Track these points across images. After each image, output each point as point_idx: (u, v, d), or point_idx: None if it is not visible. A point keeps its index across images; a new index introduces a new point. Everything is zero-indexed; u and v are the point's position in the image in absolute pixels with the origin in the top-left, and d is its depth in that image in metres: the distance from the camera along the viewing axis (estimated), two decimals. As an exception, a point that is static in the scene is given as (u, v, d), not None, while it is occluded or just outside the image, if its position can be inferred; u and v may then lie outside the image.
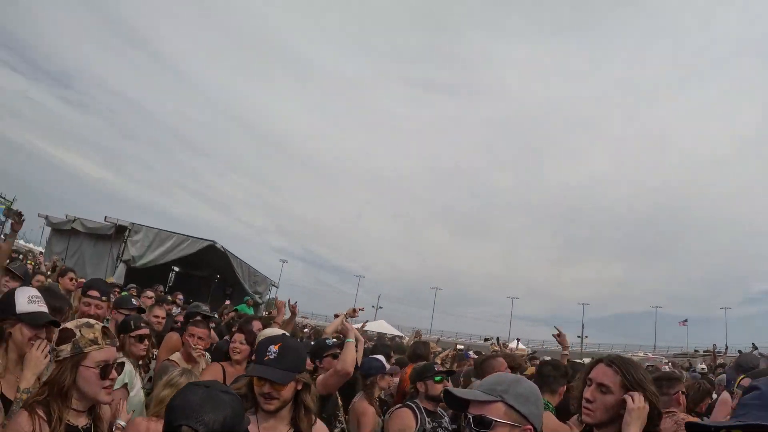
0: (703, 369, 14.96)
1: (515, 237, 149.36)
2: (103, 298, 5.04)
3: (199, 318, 6.18)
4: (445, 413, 4.58)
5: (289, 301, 6.87)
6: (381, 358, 5.34)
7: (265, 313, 18.71)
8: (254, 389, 2.66)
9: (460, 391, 2.07)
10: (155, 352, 5.71)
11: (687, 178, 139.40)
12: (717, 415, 5.11)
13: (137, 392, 4.24)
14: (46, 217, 21.13)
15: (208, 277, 26.69)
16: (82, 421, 2.59)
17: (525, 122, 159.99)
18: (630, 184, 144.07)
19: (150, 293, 9.70)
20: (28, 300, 2.97)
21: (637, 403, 2.47)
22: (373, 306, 73.71)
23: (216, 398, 1.80)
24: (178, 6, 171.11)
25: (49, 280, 8.87)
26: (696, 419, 4.17)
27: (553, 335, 6.98)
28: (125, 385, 3.99)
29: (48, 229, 22.44)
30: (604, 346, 65.18)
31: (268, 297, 27.43)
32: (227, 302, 16.47)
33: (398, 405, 4.71)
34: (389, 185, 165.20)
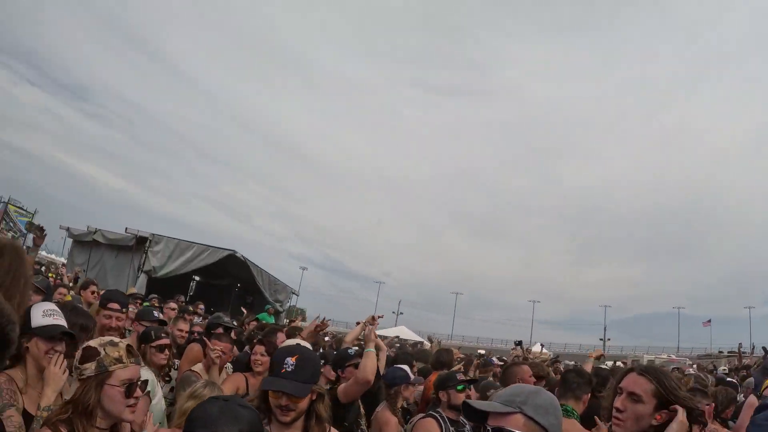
0: (724, 370, 14.73)
1: (534, 239, 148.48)
2: (123, 309, 5.06)
3: (221, 330, 6.17)
4: (466, 422, 4.53)
5: (323, 321, 6.82)
6: (405, 367, 5.28)
7: (285, 321, 18.75)
8: (269, 401, 2.64)
9: (478, 403, 2.03)
10: (177, 362, 5.78)
11: (707, 175, 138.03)
12: (744, 419, 5.01)
13: (158, 400, 4.29)
14: (68, 229, 21.44)
15: (228, 286, 26.84)
16: None
17: (539, 123, 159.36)
18: (648, 182, 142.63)
19: (173, 305, 9.77)
20: (42, 314, 2.98)
21: (682, 417, 2.42)
22: (393, 312, 73.93)
23: (234, 411, 1.84)
24: (192, 18, 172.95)
25: (71, 292, 8.92)
26: (726, 430, 4.12)
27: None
28: (147, 393, 4.00)
29: (69, 241, 22.74)
30: (627, 349, 64.61)
31: (288, 305, 27.51)
32: (246, 311, 16.51)
33: (421, 414, 4.67)
34: (407, 190, 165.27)
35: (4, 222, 38.90)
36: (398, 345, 21.36)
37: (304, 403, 2.67)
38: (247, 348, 7.02)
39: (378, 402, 5.13)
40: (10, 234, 35.12)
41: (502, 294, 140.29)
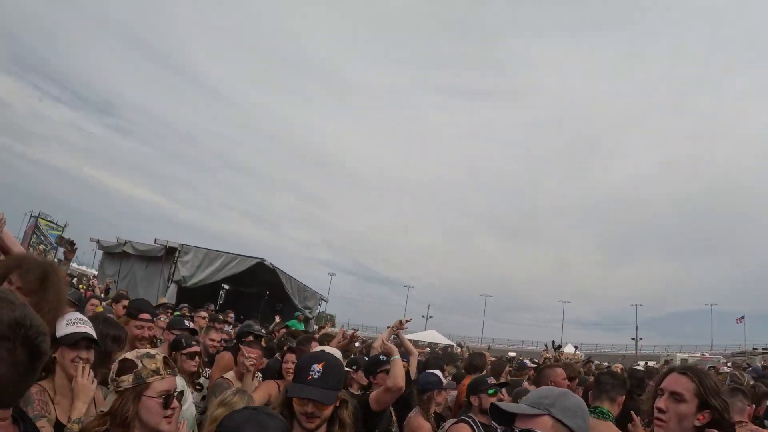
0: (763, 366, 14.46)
1: (563, 239, 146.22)
2: (153, 319, 5.18)
3: (251, 338, 6.20)
4: (498, 426, 4.48)
5: (353, 332, 6.83)
6: (437, 372, 5.24)
7: (315, 327, 18.81)
8: (294, 407, 2.63)
9: (506, 405, 2.03)
10: (208, 371, 5.85)
11: (739, 168, 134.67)
12: None
13: (189, 406, 4.33)
14: (98, 241, 21.81)
15: (258, 294, 26.99)
16: None
17: (565, 122, 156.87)
18: (679, 177, 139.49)
19: (203, 313, 9.85)
20: (66, 323, 3.03)
21: None
22: (423, 316, 73.72)
23: (261, 421, 1.88)
24: (212, 31, 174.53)
25: (104, 303, 9.04)
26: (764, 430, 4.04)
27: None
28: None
29: (100, 253, 23.09)
30: (660, 348, 63.44)
31: (318, 311, 27.60)
32: (278, 319, 16.59)
33: (454, 419, 4.63)
34: (434, 194, 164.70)
35: (35, 236, 39.56)
36: (428, 349, 21.29)
37: (329, 410, 2.66)
38: (277, 355, 7.04)
39: (410, 408, 5.10)
40: (41, 247, 35.73)
41: (531, 295, 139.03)
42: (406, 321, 6.01)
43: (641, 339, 64.19)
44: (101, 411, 2.63)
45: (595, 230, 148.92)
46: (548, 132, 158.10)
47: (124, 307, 8.02)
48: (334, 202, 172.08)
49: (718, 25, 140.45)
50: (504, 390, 4.77)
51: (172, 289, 17.25)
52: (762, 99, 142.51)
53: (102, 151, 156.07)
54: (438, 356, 9.50)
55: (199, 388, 5.17)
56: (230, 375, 5.12)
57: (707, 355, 45.94)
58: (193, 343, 4.94)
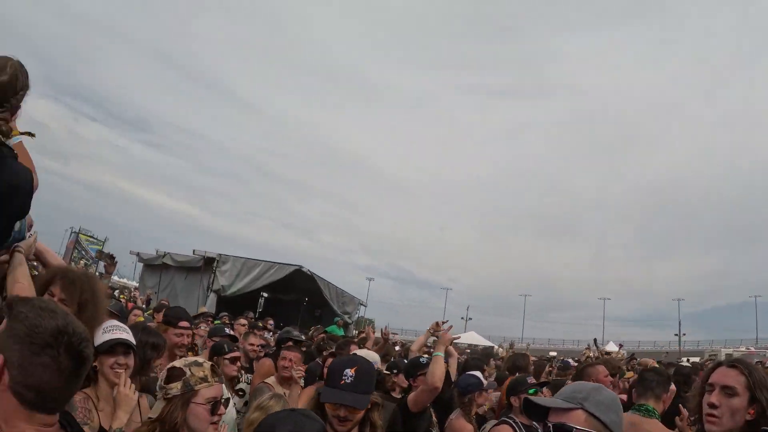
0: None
1: (601, 235, 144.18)
2: (191, 327, 5.30)
3: (290, 343, 6.25)
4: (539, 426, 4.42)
5: (383, 329, 6.84)
6: (478, 374, 5.19)
7: (355, 332, 18.85)
8: (326, 410, 2.63)
9: (539, 399, 2.04)
10: (249, 377, 5.97)
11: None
12: None
13: (229, 410, 4.40)
14: (138, 254, 22.24)
15: (296, 300, 27.15)
16: None
17: (597, 116, 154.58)
18: (718, 166, 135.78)
19: (243, 321, 9.97)
20: (103, 331, 3.10)
21: None
22: (462, 318, 73.28)
23: (298, 421, 1.93)
24: (239, 44, 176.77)
25: (146, 314, 9.19)
26: None
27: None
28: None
29: (140, 265, 23.51)
30: (704, 343, 61.88)
31: (357, 316, 27.68)
32: (318, 326, 16.66)
33: (495, 421, 4.59)
34: (468, 195, 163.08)
35: (76, 251, 40.36)
36: (469, 351, 21.17)
37: (361, 413, 2.66)
38: (318, 360, 7.07)
39: (451, 410, 5.07)
40: (82, 262, 36.42)
41: (571, 293, 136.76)
42: (443, 323, 5.98)
43: (684, 335, 62.85)
44: (149, 418, 2.70)
45: (634, 225, 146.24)
46: (581, 126, 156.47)
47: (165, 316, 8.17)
48: (369, 206, 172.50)
49: (748, 6, 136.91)
50: (545, 389, 4.70)
51: (212, 298, 17.50)
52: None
53: (138, 167, 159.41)
54: (477, 357, 9.43)
55: (241, 393, 5.23)
56: (271, 380, 5.18)
57: (753, 349, 44.79)
58: (235, 348, 5.06)
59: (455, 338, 5.59)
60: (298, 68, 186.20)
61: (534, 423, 4.32)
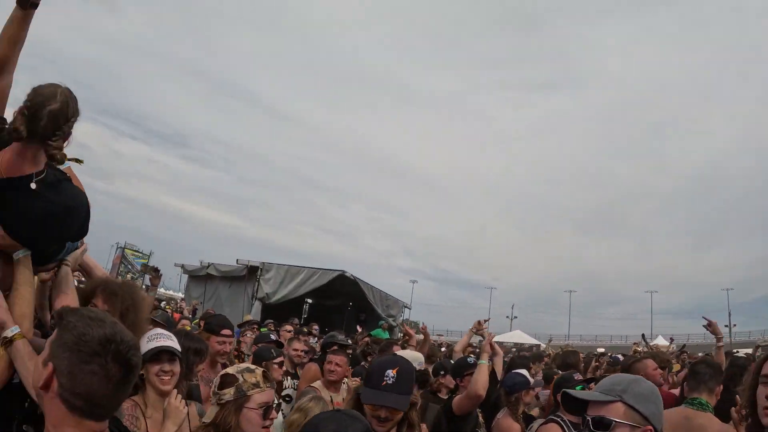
0: None
1: (645, 226, 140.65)
2: (233, 334, 5.39)
3: (335, 347, 6.28)
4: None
5: (422, 324, 6.86)
6: (524, 372, 5.14)
7: (400, 335, 18.86)
8: (365, 410, 2.65)
9: (578, 393, 2.03)
10: (295, 383, 6.08)
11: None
12: None
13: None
14: (182, 266, 22.68)
15: (341, 305, 27.26)
16: None
17: (634, 104, 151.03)
18: (759, 148, 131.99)
19: (289, 327, 10.07)
20: (147, 340, 3.18)
21: None
22: (507, 317, 72.78)
23: (341, 420, 1.91)
24: (272, 56, 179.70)
25: (193, 323, 9.36)
26: None
27: (703, 326, 6.55)
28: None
29: (185, 277, 23.92)
30: (755, 333, 59.88)
31: (401, 319, 27.68)
32: (359, 328, 16.72)
33: (542, 420, 4.54)
34: (508, 192, 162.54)
35: (122, 265, 41.39)
36: (515, 350, 20.98)
37: (401, 414, 2.69)
38: (363, 363, 7.10)
39: (497, 409, 5.03)
40: (129, 275, 37.28)
41: (617, 287, 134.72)
42: (485, 321, 5.95)
43: (735, 325, 61.14)
44: (203, 422, 2.79)
45: (678, 214, 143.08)
46: (616, 116, 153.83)
47: (210, 324, 8.32)
48: (409, 209, 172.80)
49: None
50: (592, 385, 4.63)
51: (257, 306, 17.72)
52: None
53: (179, 181, 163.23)
54: (524, 356, 9.34)
55: (288, 399, 5.29)
56: (318, 384, 5.21)
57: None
58: (279, 353, 5.26)
59: (497, 340, 5.57)
60: (331, 76, 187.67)
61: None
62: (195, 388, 4.21)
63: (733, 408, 3.57)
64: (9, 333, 2.22)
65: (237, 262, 18.85)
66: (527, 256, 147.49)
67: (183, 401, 3.18)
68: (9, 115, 2.34)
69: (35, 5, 2.26)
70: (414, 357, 4.95)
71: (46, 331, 2.77)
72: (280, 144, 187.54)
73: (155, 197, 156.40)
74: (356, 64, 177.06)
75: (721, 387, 4.12)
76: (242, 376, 2.71)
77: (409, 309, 30.50)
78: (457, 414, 4.42)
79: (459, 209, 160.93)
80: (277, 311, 18.38)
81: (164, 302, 24.25)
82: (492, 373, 5.19)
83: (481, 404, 4.72)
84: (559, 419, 4.21)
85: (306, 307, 27.88)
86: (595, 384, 5.19)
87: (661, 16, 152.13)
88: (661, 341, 24.98)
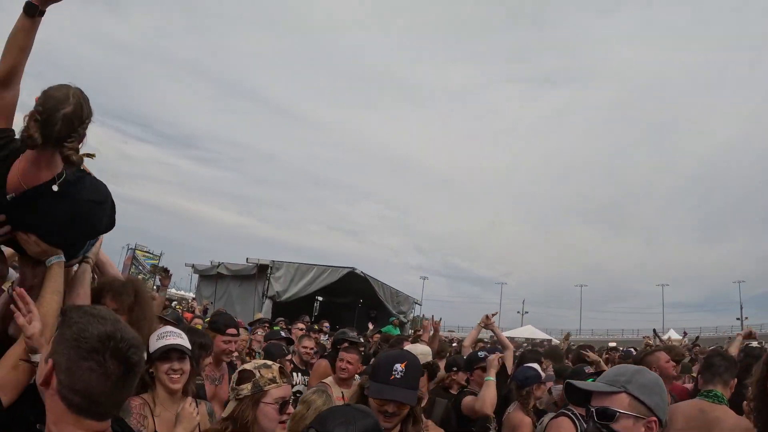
0: None
1: (655, 220, 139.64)
2: (239, 333, 5.35)
3: (346, 345, 6.28)
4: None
5: (432, 318, 6.87)
6: (535, 366, 5.13)
7: (411, 331, 18.85)
8: (371, 405, 2.61)
9: (582, 384, 2.03)
10: (306, 380, 6.16)
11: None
12: None
13: None
14: (193, 266, 22.81)
15: (351, 302, 27.32)
16: None
17: (641, 97, 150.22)
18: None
19: (300, 325, 10.12)
20: (156, 338, 3.21)
21: None
22: (518, 312, 72.70)
23: (349, 414, 1.92)
24: (279, 56, 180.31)
25: (205, 322, 9.39)
26: None
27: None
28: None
29: (196, 276, 24.03)
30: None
31: (412, 315, 27.70)
32: (370, 325, 16.72)
33: (552, 413, 4.53)
34: (517, 187, 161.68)
35: (133, 267, 41.63)
36: (526, 345, 20.93)
37: (407, 409, 2.68)
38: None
39: (508, 402, 5.03)
40: (140, 277, 37.51)
41: (628, 281, 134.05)
42: (493, 315, 5.94)
43: (746, 318, 60.73)
44: (221, 417, 2.83)
45: (687, 208, 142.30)
46: (624, 109, 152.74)
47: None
48: (418, 206, 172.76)
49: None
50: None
51: (267, 304, 17.81)
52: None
53: (188, 182, 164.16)
54: (535, 350, 9.33)
55: (298, 395, 5.29)
56: (329, 380, 5.20)
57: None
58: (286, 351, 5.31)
59: (508, 335, 5.58)
60: (339, 75, 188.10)
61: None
62: (200, 388, 4.22)
63: (744, 402, 3.55)
64: (36, 358, 2.14)
65: (247, 261, 18.93)
66: (538, 252, 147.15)
67: (196, 408, 3.22)
68: (19, 120, 2.29)
69: (42, 13, 2.25)
70: (423, 351, 4.94)
71: None
72: (288, 143, 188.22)
73: (165, 198, 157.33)
74: (364, 61, 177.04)
75: (736, 380, 4.08)
76: (259, 371, 2.73)
77: (420, 305, 30.51)
78: (465, 413, 4.42)
79: (468, 205, 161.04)
80: (288, 309, 18.45)
81: (175, 302, 24.37)
82: (502, 368, 5.18)
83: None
84: (570, 413, 4.20)
85: (316, 304, 27.97)
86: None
87: (667, 9, 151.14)
88: (674, 335, 24.80)
